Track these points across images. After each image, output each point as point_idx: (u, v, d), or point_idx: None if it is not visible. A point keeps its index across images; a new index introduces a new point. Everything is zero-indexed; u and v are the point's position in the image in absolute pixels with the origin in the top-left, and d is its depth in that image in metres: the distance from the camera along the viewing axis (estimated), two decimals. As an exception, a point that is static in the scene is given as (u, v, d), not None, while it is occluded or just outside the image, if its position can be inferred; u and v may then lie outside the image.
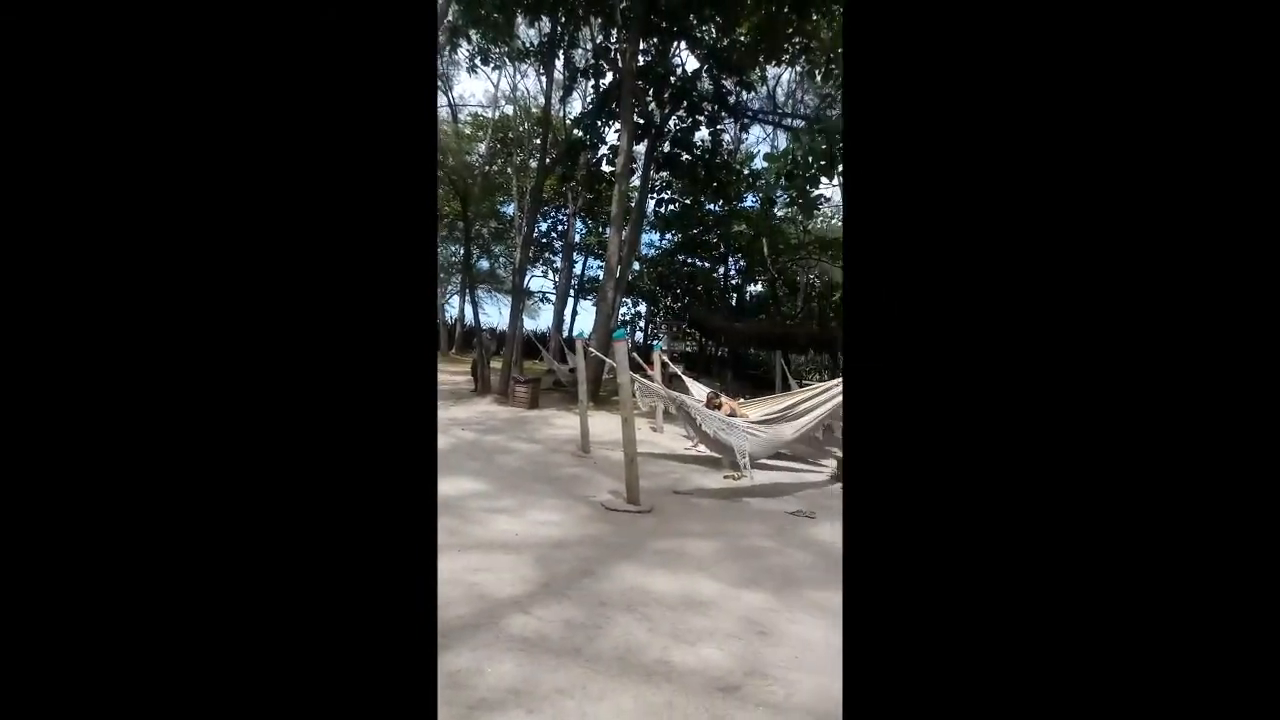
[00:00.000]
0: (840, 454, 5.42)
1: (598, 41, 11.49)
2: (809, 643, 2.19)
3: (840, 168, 8.92)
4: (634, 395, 4.27)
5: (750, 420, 5.23)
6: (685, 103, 11.32)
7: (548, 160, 12.22)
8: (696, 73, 11.47)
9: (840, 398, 5.18)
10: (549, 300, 18.42)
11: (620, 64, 10.48)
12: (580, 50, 12.12)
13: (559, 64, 11.81)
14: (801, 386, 7.74)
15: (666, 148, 12.01)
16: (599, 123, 11.69)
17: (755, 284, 18.12)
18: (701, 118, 11.66)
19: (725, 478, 4.99)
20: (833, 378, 8.84)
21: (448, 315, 22.06)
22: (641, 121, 10.97)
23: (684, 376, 7.95)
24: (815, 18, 9.98)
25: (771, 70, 12.84)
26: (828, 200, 15.60)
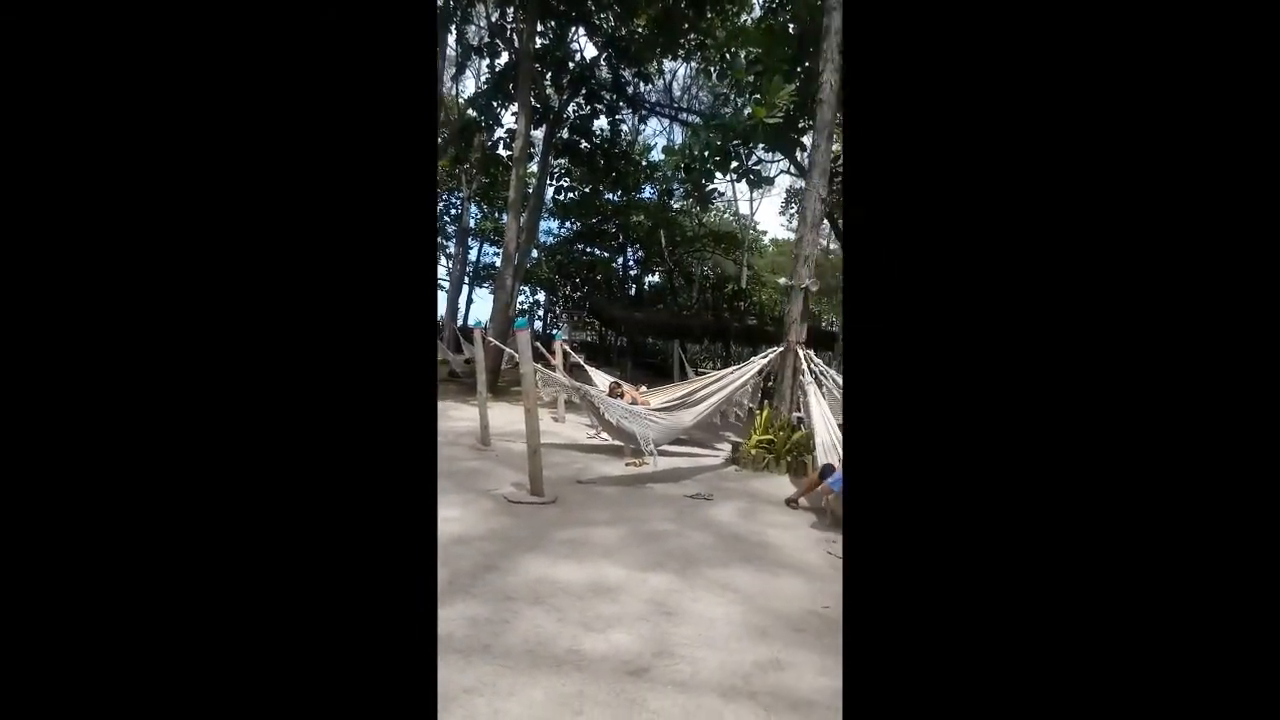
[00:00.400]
0: (734, 438, 5.70)
1: (493, 19, 11.04)
2: (711, 620, 2.29)
3: (733, 164, 9.28)
4: (536, 385, 4.21)
5: (651, 408, 5.35)
6: (584, 90, 11.21)
7: (440, 140, 11.61)
8: (595, 61, 11.37)
9: (733, 385, 5.45)
10: (442, 287, 17.53)
11: (517, 45, 10.16)
12: (474, 27, 11.58)
13: (451, 39, 11.23)
14: (698, 375, 8.02)
15: (565, 134, 11.84)
16: (495, 104, 11.26)
17: (653, 274, 18.42)
18: (600, 106, 11.60)
19: (627, 465, 5.08)
20: (725, 366, 9.24)
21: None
22: (539, 106, 10.73)
23: (586, 366, 7.95)
24: (710, 16, 10.26)
25: (669, 65, 13.05)
26: (721, 195, 16.20)
